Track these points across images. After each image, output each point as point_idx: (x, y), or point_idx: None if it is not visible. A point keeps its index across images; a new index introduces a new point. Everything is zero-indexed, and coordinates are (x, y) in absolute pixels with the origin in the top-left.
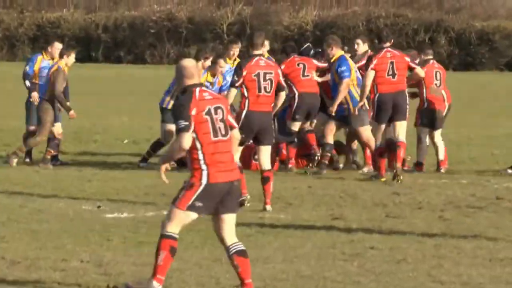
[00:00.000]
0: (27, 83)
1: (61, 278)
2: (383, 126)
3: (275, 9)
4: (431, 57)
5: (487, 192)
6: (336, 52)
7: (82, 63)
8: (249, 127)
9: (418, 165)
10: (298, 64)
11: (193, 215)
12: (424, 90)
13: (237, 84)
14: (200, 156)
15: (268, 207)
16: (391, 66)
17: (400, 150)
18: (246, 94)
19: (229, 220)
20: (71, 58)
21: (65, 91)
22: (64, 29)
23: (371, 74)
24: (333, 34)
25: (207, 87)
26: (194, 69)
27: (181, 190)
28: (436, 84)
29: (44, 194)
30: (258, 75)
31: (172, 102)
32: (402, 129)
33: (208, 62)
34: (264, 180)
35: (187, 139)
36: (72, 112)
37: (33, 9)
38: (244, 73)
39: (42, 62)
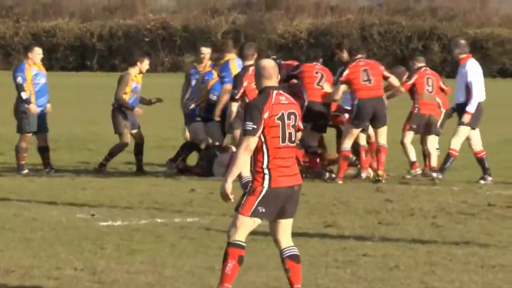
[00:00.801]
0: (24, 94)
1: (55, 286)
2: (356, 131)
3: (269, 17)
4: (423, 64)
5: (479, 199)
6: (227, 56)
7: (77, 72)
8: None
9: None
10: (317, 73)
11: (257, 221)
12: (416, 96)
13: (237, 97)
14: (265, 160)
15: None
16: (365, 73)
17: (381, 154)
18: None
19: (286, 224)
20: (145, 65)
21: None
22: (59, 38)
23: (341, 87)
24: (326, 41)
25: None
26: (273, 69)
27: (243, 196)
28: (428, 90)
29: (38, 202)
30: None
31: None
32: (383, 135)
33: None
34: None
35: (252, 143)
36: (137, 109)
37: (28, 18)
38: (245, 83)
39: (31, 70)
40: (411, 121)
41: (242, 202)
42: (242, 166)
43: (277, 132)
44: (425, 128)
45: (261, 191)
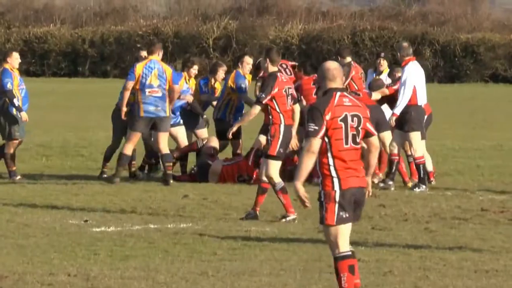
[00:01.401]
0: (16, 101)
1: None
2: None
3: (260, 23)
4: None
5: (472, 204)
6: (149, 57)
7: (69, 78)
8: (286, 141)
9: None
10: (314, 83)
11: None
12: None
13: (264, 101)
14: (331, 162)
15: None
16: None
17: (400, 164)
18: (278, 109)
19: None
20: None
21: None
22: (51, 44)
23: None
24: (318, 47)
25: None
26: (337, 71)
27: (321, 206)
28: None
29: (31, 208)
30: (286, 90)
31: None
32: (388, 139)
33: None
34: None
35: (315, 144)
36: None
37: (20, 25)
38: (276, 90)
39: (13, 74)
40: (395, 127)
41: (323, 212)
42: (309, 168)
43: (340, 134)
44: None
45: (335, 195)
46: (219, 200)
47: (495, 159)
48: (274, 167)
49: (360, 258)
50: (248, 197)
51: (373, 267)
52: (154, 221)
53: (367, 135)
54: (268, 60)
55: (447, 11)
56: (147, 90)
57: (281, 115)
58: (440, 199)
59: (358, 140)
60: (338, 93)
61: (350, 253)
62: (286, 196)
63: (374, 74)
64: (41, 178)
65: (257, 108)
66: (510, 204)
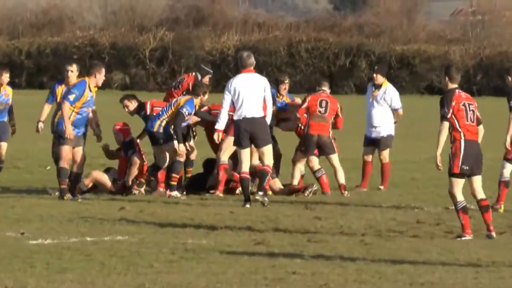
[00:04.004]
0: None
1: None
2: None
3: (197, 34)
4: (324, 88)
5: (408, 216)
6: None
7: None
8: (469, 156)
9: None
10: None
11: None
12: (308, 117)
13: (448, 116)
14: None
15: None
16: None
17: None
18: (457, 124)
19: None
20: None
21: None
22: None
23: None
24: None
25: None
26: None
27: None
28: (320, 112)
29: None
30: (464, 105)
31: (161, 126)
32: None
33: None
34: (484, 208)
35: None
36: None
37: None
38: (453, 103)
39: None
40: (301, 144)
41: None
42: None
43: None
44: (318, 149)
45: None
46: (155, 213)
47: (431, 171)
48: (457, 185)
49: (296, 271)
50: (184, 210)
51: (309, 280)
52: (90, 234)
53: None
54: (447, 77)
55: (383, 22)
56: None
57: (460, 130)
58: (375, 211)
59: None
60: None
61: None
62: (466, 217)
63: (373, 88)
64: None
65: (445, 124)
66: (445, 217)
